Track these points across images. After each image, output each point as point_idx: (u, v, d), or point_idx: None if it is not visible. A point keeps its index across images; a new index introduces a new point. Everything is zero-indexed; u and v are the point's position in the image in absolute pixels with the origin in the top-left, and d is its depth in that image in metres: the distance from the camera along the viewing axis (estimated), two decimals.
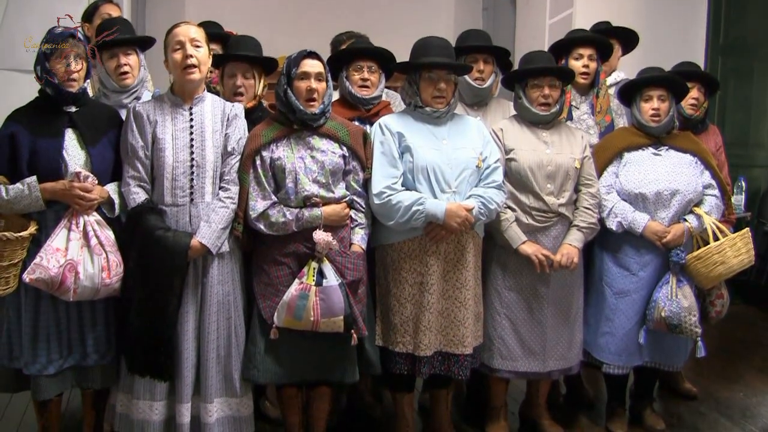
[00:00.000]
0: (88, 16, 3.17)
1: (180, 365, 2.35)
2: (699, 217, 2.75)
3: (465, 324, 2.51)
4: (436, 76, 2.51)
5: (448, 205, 2.42)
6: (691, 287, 2.74)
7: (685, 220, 2.75)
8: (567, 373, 2.83)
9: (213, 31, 2.81)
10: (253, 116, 2.60)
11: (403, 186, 2.47)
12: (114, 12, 3.15)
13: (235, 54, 2.65)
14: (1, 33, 4.33)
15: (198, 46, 2.36)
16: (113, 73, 2.58)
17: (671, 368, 2.89)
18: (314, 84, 2.39)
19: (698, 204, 2.79)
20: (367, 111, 2.74)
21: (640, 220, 2.70)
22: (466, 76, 2.85)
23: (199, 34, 2.38)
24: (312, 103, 2.40)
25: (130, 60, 2.59)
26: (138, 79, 2.62)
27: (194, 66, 2.34)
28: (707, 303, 2.97)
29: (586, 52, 2.99)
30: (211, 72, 2.59)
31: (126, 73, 2.58)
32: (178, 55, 2.35)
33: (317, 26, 5.64)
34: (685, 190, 2.72)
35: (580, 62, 2.98)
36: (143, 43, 2.71)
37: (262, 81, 2.67)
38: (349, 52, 2.78)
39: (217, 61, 2.62)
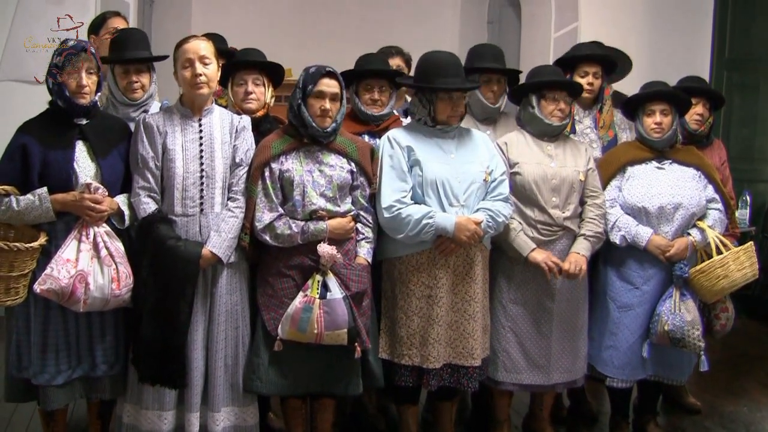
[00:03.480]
0: (95, 28, 3.16)
1: (189, 374, 2.38)
2: (702, 231, 2.78)
3: (474, 336, 2.54)
4: (453, 97, 2.54)
5: (457, 219, 2.45)
6: (695, 301, 2.77)
7: (689, 234, 2.78)
8: (572, 386, 2.86)
9: (217, 47, 2.83)
10: (261, 127, 2.63)
11: (411, 200, 2.51)
12: (122, 25, 3.13)
13: (245, 60, 2.69)
14: (8, 45, 4.39)
15: (207, 63, 2.40)
16: (123, 88, 2.62)
17: (675, 382, 2.91)
18: (328, 105, 2.42)
19: (701, 218, 2.82)
20: (377, 126, 2.77)
21: (643, 234, 2.73)
22: (479, 95, 2.88)
23: (208, 50, 2.42)
24: (325, 119, 2.43)
25: (143, 78, 2.62)
26: (147, 94, 2.65)
27: (204, 83, 2.39)
28: (712, 316, 2.99)
29: (591, 69, 3.04)
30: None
31: (137, 89, 2.62)
32: (187, 73, 2.39)
33: (322, 39, 5.71)
34: (689, 204, 2.75)
35: (585, 79, 3.03)
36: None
37: (270, 90, 2.71)
38: (360, 74, 2.78)
39: (225, 72, 2.65)
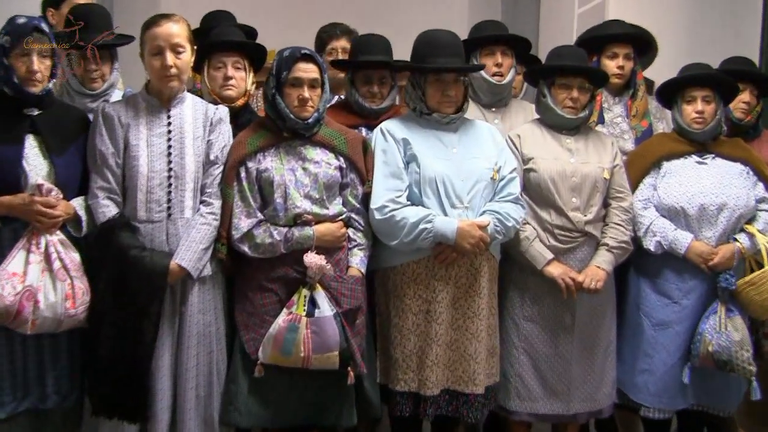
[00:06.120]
0: (56, 1, 3.16)
1: (154, 406, 2.35)
2: (751, 236, 2.76)
3: (476, 359, 2.52)
4: (444, 79, 2.53)
5: (460, 224, 2.44)
6: (743, 318, 2.74)
7: (735, 239, 2.75)
8: (596, 416, 2.84)
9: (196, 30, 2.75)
10: (241, 119, 2.62)
11: (408, 200, 2.49)
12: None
13: (224, 41, 2.67)
14: None
15: (180, 52, 2.37)
16: (81, 76, 2.61)
17: (721, 412, 2.88)
18: (307, 93, 2.41)
19: (750, 221, 2.80)
20: (375, 119, 2.75)
21: (682, 239, 2.71)
22: (483, 73, 2.88)
23: (181, 35, 2.38)
24: (305, 108, 2.41)
25: (104, 66, 2.62)
26: (108, 84, 2.65)
27: (174, 75, 2.37)
28: (760, 335, 2.96)
29: (622, 50, 3.02)
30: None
31: (96, 78, 2.61)
32: (156, 62, 2.36)
33: (314, 16, 5.65)
34: (735, 204, 2.73)
35: (615, 62, 3.02)
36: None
37: (251, 75, 2.70)
38: (356, 64, 2.77)
39: (200, 53, 2.62)
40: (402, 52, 2.79)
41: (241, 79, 2.65)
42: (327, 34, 3.28)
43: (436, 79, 2.53)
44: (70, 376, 2.38)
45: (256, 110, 2.87)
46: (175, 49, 2.36)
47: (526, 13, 5.75)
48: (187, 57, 2.40)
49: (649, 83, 3.21)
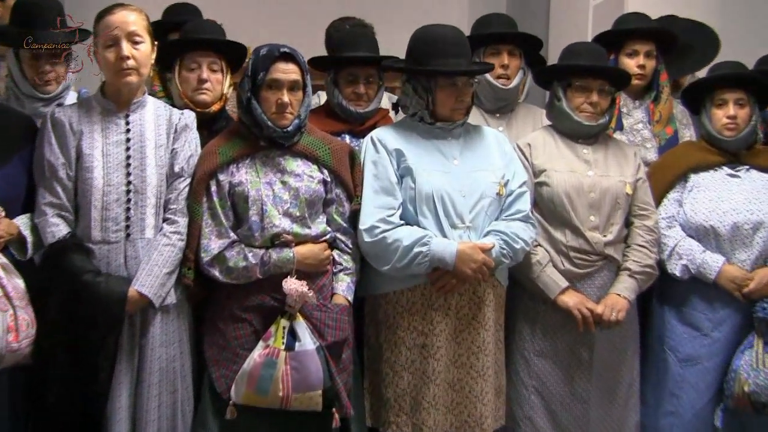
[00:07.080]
0: None
1: None
2: None
3: (483, 400, 2.52)
4: (458, 83, 2.52)
5: (460, 246, 2.44)
6: None
7: None
8: None
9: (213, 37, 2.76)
10: (216, 126, 2.63)
11: (401, 219, 2.49)
12: None
13: (200, 38, 2.68)
14: None
15: (138, 42, 2.37)
16: (32, 77, 2.61)
17: None
18: (286, 97, 2.41)
19: None
20: (360, 125, 2.77)
21: (712, 263, 2.72)
22: (486, 75, 2.88)
23: (139, 24, 2.39)
24: (284, 115, 2.41)
25: (58, 67, 2.62)
26: (63, 86, 2.65)
27: (132, 69, 2.36)
28: None
29: (643, 47, 3.04)
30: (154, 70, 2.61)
31: (50, 81, 2.62)
32: (111, 54, 2.36)
33: (297, 11, 5.69)
34: None
35: (635, 60, 3.04)
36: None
37: (228, 78, 2.71)
38: (340, 60, 2.79)
39: (171, 51, 2.64)
40: (390, 49, 2.80)
41: (217, 82, 2.66)
42: (338, 31, 3.30)
43: (451, 84, 2.52)
44: (13, 421, 2.36)
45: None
46: (132, 39, 2.35)
47: (535, 5, 5.78)
48: (147, 50, 2.40)
49: None
